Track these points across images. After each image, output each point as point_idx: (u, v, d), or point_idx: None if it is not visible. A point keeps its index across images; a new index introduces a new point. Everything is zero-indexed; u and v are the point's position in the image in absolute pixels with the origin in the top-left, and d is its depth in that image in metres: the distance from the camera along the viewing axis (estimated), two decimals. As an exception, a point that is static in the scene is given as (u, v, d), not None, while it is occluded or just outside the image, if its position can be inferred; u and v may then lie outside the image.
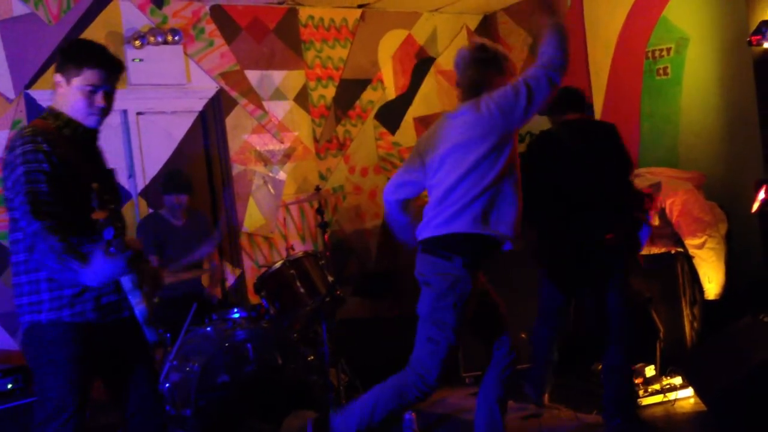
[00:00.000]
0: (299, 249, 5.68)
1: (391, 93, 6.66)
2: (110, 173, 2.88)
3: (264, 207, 6.02)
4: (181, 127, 5.76)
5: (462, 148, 3.19)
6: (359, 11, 6.52)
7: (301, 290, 4.40)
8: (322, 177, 6.29)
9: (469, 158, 3.17)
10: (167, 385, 4.20)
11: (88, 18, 5.34)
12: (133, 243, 2.76)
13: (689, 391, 4.35)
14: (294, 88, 6.21)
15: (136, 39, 5.41)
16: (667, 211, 4.75)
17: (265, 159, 6.05)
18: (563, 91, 3.91)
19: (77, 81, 2.71)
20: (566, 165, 3.96)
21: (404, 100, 6.71)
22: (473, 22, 7.05)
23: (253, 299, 5.41)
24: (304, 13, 6.28)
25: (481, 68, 3.30)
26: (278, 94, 6.13)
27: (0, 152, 4.05)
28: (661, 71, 5.63)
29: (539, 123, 4.28)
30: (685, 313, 4.70)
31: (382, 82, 6.60)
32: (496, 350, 3.36)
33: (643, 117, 5.79)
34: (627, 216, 4.01)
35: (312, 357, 4.51)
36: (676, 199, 4.73)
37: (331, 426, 3.30)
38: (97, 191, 2.48)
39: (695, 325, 4.73)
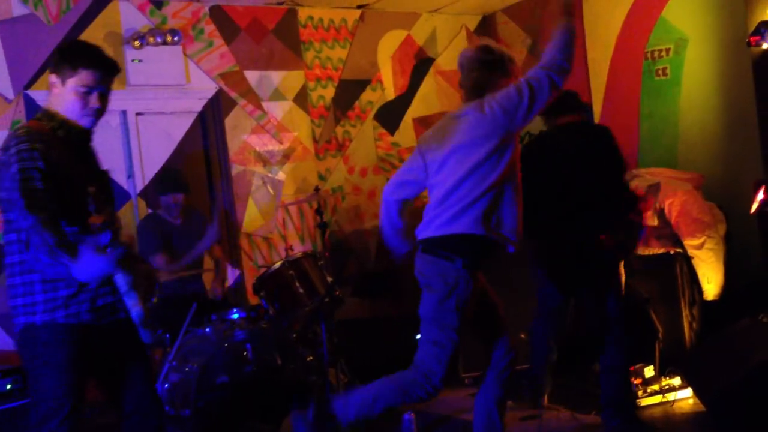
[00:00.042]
0: (298, 249, 5.68)
1: (391, 93, 6.66)
2: (105, 174, 2.89)
3: (263, 207, 6.02)
4: (180, 128, 5.76)
5: (464, 148, 3.19)
6: (358, 12, 6.52)
7: (300, 291, 4.41)
8: (322, 177, 6.29)
9: (472, 159, 3.17)
10: (166, 385, 4.20)
11: (87, 18, 5.35)
12: (127, 239, 2.76)
13: (688, 392, 4.35)
14: (293, 89, 6.21)
15: (135, 39, 5.41)
16: (666, 211, 4.75)
17: (264, 159, 6.05)
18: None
19: (72, 82, 2.71)
20: (560, 168, 3.96)
21: (403, 100, 6.71)
22: (472, 23, 7.05)
23: (252, 300, 5.41)
24: (303, 14, 6.28)
25: (487, 70, 3.30)
26: (277, 95, 6.14)
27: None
28: (660, 72, 5.64)
29: (539, 124, 4.28)
30: (684, 314, 4.70)
31: (381, 82, 6.61)
32: (495, 351, 3.35)
33: (642, 117, 5.79)
34: (620, 217, 4.01)
35: (311, 357, 4.51)
36: (675, 200, 4.73)
37: (333, 406, 3.30)
38: (93, 195, 2.48)
39: (694, 325, 4.73)
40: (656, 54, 5.65)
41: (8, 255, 2.69)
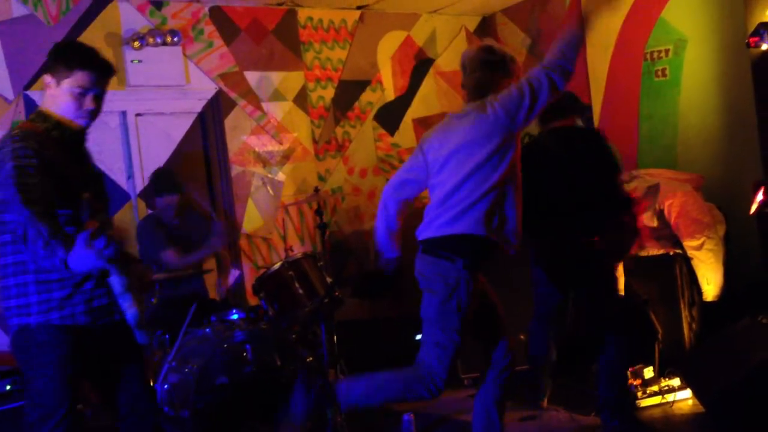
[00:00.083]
0: (298, 250, 5.68)
1: (390, 94, 6.66)
2: (99, 176, 2.88)
3: (263, 208, 6.02)
4: (180, 129, 5.76)
5: (466, 148, 3.19)
6: (358, 12, 6.52)
7: (300, 291, 4.40)
8: (321, 178, 6.29)
9: (473, 159, 3.17)
10: (166, 386, 4.19)
11: (87, 19, 5.35)
12: (119, 235, 2.76)
13: (687, 393, 4.35)
14: (293, 89, 6.21)
15: (135, 40, 5.42)
16: (666, 212, 4.75)
17: (264, 160, 6.05)
18: None
19: (67, 83, 2.70)
20: (552, 172, 3.96)
21: (403, 101, 6.71)
22: (472, 24, 7.05)
23: (252, 300, 5.41)
24: (303, 15, 6.28)
25: (489, 70, 3.30)
26: (277, 95, 6.14)
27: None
28: (659, 73, 5.64)
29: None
30: (683, 315, 4.70)
31: (381, 83, 6.61)
32: (495, 352, 3.36)
33: (642, 118, 5.79)
34: (614, 220, 4.01)
35: (311, 358, 4.51)
36: (674, 201, 4.73)
37: (337, 387, 3.31)
38: (88, 201, 2.48)
39: (693, 326, 4.73)
40: (655, 55, 5.65)
41: (1, 256, 2.68)
